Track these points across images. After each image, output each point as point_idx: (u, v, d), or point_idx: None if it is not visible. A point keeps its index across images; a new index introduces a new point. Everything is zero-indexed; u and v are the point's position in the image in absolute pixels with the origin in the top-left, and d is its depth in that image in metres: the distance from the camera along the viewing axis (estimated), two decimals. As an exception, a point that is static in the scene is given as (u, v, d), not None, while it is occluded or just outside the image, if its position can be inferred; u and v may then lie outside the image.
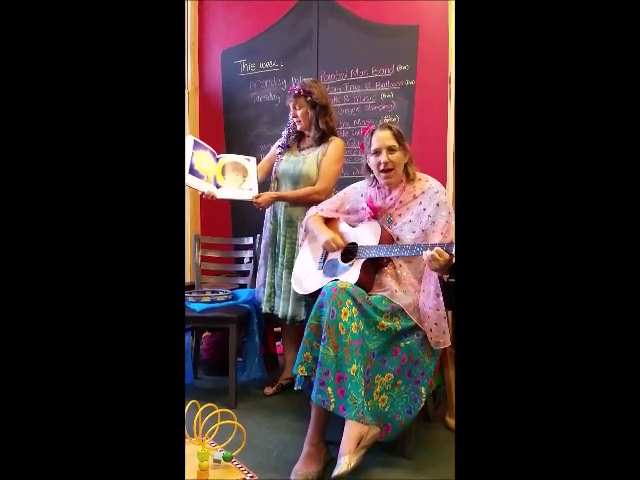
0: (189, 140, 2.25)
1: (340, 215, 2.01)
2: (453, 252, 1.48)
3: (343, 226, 1.97)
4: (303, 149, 2.32)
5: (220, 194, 2.22)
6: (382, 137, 1.79)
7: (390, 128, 1.80)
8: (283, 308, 2.20)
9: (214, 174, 2.27)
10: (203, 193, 2.17)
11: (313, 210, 2.05)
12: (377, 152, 1.80)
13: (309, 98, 2.20)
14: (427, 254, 1.52)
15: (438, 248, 1.50)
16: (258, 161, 2.44)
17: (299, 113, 2.24)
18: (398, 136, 1.79)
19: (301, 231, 2.12)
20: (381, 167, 1.78)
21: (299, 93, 2.21)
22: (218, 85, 3.39)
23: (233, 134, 3.34)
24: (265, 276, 2.32)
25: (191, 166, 2.17)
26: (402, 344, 1.62)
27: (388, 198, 1.84)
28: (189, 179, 2.13)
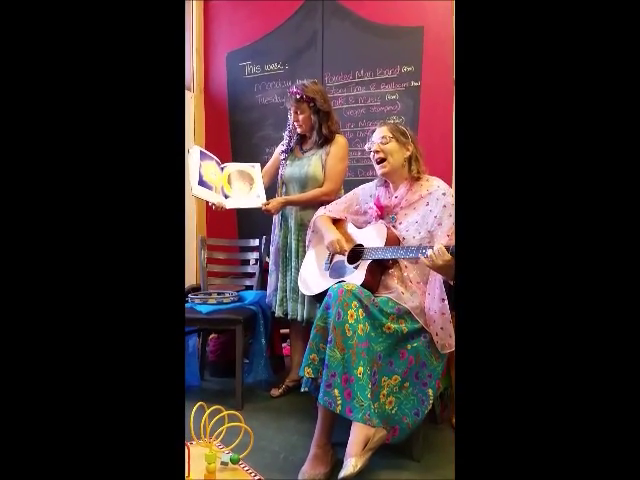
0: (196, 151, 2.23)
1: (348, 215, 2.01)
2: None
3: (350, 227, 1.97)
4: (306, 151, 2.31)
5: (229, 204, 2.22)
6: (378, 131, 1.86)
7: (387, 124, 1.87)
8: (300, 311, 2.20)
9: (221, 184, 2.27)
10: (213, 204, 2.17)
11: (321, 211, 2.06)
12: (372, 145, 1.85)
13: (312, 104, 2.19)
14: (427, 254, 1.52)
15: (440, 246, 1.50)
16: (262, 165, 2.43)
17: (301, 118, 2.23)
18: (395, 130, 1.84)
19: (309, 232, 2.13)
20: (374, 157, 1.83)
21: (301, 98, 2.19)
22: (223, 87, 3.40)
23: (238, 136, 3.34)
24: (277, 281, 2.32)
25: (200, 177, 2.16)
26: (409, 346, 1.61)
27: (394, 196, 1.84)
28: (199, 191, 2.12)
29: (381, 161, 1.82)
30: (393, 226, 1.83)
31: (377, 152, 1.82)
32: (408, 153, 1.82)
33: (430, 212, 1.74)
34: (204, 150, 2.31)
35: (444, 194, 1.74)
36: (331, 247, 1.88)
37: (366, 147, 1.90)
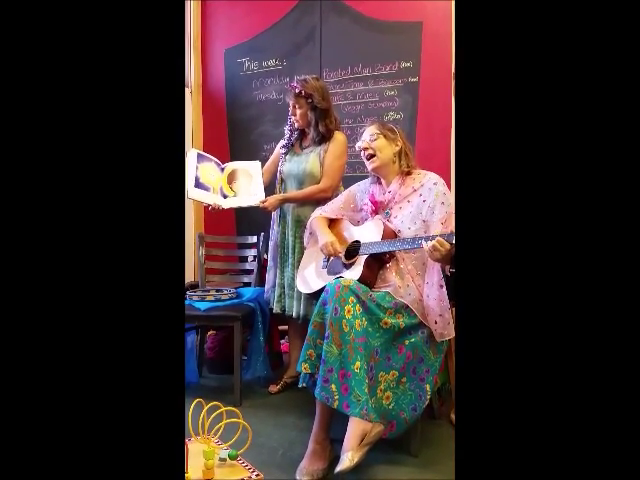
0: (193, 154, 2.24)
1: (345, 214, 2.01)
2: (454, 242, 1.48)
3: (347, 225, 1.97)
4: (305, 147, 2.31)
5: (226, 204, 2.22)
6: (367, 130, 1.90)
7: (375, 123, 1.92)
8: (296, 307, 2.20)
9: (220, 184, 2.27)
10: (209, 205, 2.18)
11: (317, 212, 2.06)
12: (362, 143, 1.89)
13: (310, 100, 2.18)
14: (428, 245, 1.53)
15: (439, 238, 1.51)
16: (263, 163, 2.42)
17: (298, 113, 2.22)
18: (382, 127, 1.89)
19: (306, 233, 2.12)
20: (364, 154, 1.87)
21: (300, 93, 2.18)
22: (221, 84, 3.39)
23: (236, 133, 3.34)
24: (275, 277, 2.32)
25: (196, 180, 2.17)
26: (407, 341, 1.61)
27: (387, 192, 1.86)
28: (195, 193, 2.14)
29: (371, 157, 1.86)
30: (388, 220, 1.83)
31: (366, 149, 1.86)
32: (397, 148, 1.87)
33: (424, 202, 1.76)
34: (202, 153, 2.32)
35: (435, 183, 1.77)
36: (325, 250, 1.88)
37: (356, 146, 1.94)
